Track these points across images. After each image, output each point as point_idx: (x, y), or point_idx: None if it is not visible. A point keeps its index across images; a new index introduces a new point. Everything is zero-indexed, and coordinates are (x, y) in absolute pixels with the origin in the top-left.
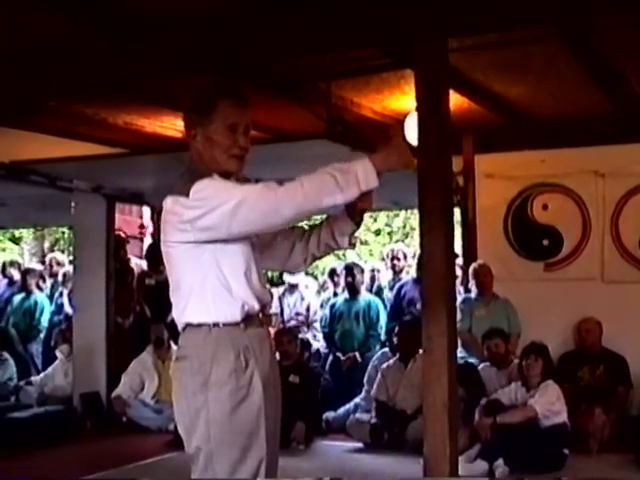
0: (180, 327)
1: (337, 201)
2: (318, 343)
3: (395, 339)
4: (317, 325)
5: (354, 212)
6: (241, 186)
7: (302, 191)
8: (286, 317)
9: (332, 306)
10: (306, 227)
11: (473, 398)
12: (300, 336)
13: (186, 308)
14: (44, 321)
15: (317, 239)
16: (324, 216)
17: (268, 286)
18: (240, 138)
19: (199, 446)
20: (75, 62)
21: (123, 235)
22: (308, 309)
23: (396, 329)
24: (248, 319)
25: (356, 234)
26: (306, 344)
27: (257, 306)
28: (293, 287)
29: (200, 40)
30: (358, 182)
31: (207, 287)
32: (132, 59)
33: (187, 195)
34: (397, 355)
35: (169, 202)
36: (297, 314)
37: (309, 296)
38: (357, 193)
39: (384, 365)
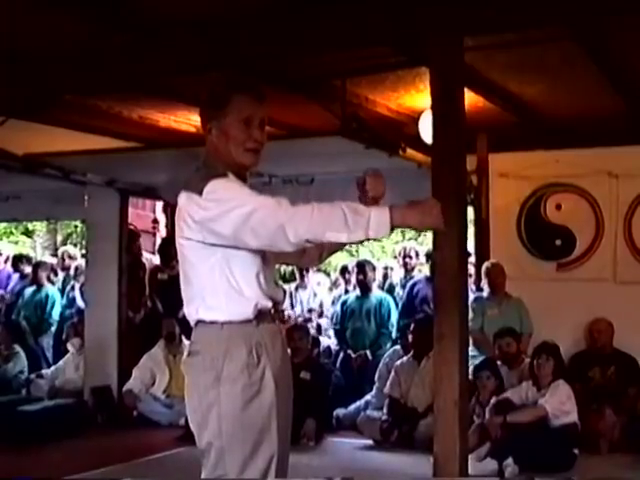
0: (192, 323)
1: (340, 239)
2: (329, 340)
3: (410, 337)
4: (329, 322)
5: (366, 202)
6: (255, 195)
7: (310, 220)
8: (298, 313)
9: (343, 303)
10: None
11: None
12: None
13: (198, 306)
14: (55, 314)
15: None
16: None
17: (280, 282)
18: (255, 132)
19: (210, 441)
20: (91, 57)
21: (136, 229)
22: (321, 305)
23: (411, 327)
24: (260, 316)
25: None
26: (315, 340)
27: (270, 304)
28: (304, 283)
29: (216, 37)
30: (367, 228)
31: (219, 287)
32: (148, 55)
33: (200, 193)
34: (411, 353)
35: (183, 198)
36: (310, 310)
37: (321, 292)
38: (363, 238)
39: (398, 362)
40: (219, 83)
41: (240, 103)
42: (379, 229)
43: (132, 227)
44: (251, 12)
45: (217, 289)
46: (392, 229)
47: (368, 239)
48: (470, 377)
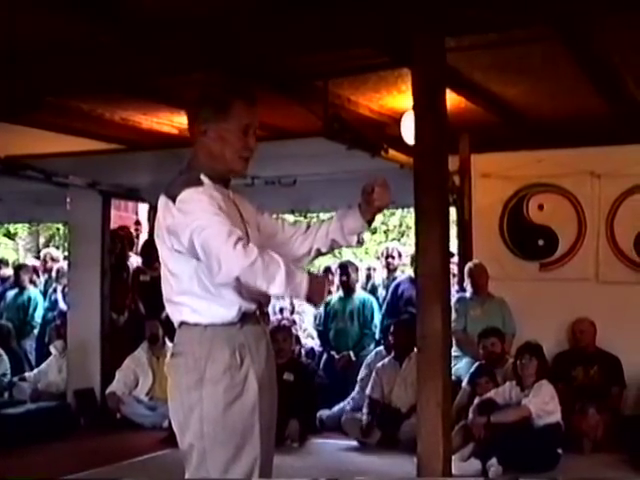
0: (176, 324)
1: (269, 291)
2: (312, 341)
3: (390, 338)
4: (301, 318)
5: (369, 210)
6: (214, 216)
7: (250, 266)
8: (270, 313)
9: (326, 304)
10: (311, 222)
11: None
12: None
13: (181, 308)
14: (37, 317)
15: (325, 234)
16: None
17: None
18: (250, 140)
19: (192, 443)
20: (74, 58)
21: (130, 234)
22: (292, 302)
23: (391, 328)
24: (245, 318)
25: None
26: (296, 339)
27: (254, 306)
28: None
29: (199, 38)
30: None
31: (199, 292)
32: (132, 56)
33: (174, 200)
34: (392, 354)
35: (162, 202)
36: (281, 310)
37: None
38: (284, 293)
39: (379, 364)
40: (218, 85)
41: (240, 110)
42: (300, 291)
43: (131, 230)
44: (234, 14)
45: (198, 294)
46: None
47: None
48: (466, 383)
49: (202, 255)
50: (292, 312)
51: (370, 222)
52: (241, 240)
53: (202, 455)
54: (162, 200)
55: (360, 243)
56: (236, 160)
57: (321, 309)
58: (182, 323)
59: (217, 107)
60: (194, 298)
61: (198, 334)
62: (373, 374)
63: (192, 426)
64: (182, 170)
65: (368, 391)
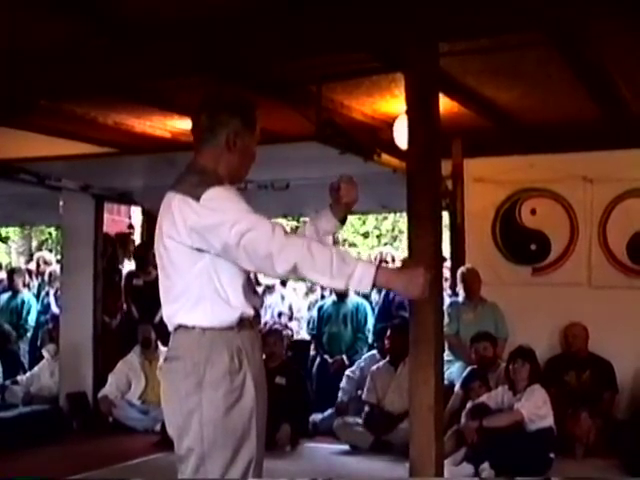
0: (171, 327)
1: (320, 282)
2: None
3: (386, 342)
4: (299, 324)
5: (338, 208)
6: (252, 213)
7: (298, 255)
8: (269, 317)
9: (320, 308)
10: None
11: None
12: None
13: (180, 309)
14: (31, 320)
15: None
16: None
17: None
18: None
19: (191, 447)
20: (68, 61)
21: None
22: (290, 308)
23: (387, 332)
24: (241, 323)
25: (340, 232)
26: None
27: (252, 313)
28: (271, 288)
29: (194, 42)
30: (349, 279)
31: (205, 293)
32: (126, 59)
33: (198, 199)
34: (387, 358)
35: (176, 200)
36: (280, 314)
37: (289, 295)
38: (342, 287)
39: (374, 367)
40: (244, 100)
41: (258, 124)
42: (360, 284)
43: (130, 235)
44: (229, 18)
45: (204, 295)
46: (373, 287)
47: (347, 289)
48: (458, 388)
49: (244, 255)
50: (290, 318)
51: (343, 221)
52: (286, 232)
53: (201, 459)
54: (176, 198)
55: (336, 243)
56: (246, 171)
57: (314, 313)
58: (179, 326)
59: (246, 120)
60: (198, 299)
61: (196, 338)
62: (368, 378)
63: (192, 430)
64: (186, 173)
65: (364, 396)
